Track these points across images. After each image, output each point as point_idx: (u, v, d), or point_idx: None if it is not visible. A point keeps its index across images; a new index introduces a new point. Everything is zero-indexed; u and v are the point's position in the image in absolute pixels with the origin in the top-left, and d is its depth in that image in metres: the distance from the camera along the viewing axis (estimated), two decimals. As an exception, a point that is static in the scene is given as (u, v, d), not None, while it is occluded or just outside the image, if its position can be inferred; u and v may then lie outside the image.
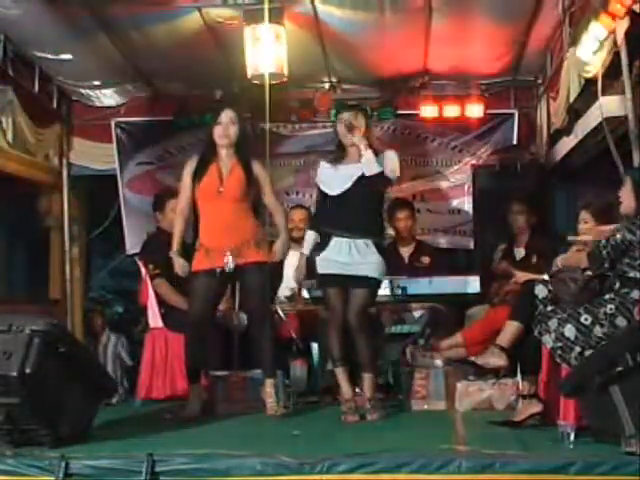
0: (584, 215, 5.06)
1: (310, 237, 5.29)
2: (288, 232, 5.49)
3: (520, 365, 4.79)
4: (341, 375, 5.11)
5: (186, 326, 5.28)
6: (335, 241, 5.11)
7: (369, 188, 5.10)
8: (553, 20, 6.19)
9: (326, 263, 5.13)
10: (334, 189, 5.16)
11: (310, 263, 5.34)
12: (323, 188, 5.24)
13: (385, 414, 5.02)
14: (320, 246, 5.20)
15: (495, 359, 4.69)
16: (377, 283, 5.20)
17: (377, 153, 5.15)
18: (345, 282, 5.09)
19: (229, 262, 5.08)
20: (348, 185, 5.10)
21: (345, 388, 5.09)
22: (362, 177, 5.09)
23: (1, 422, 4.03)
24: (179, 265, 5.24)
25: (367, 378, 5.11)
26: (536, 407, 4.53)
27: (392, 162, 5.18)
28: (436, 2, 6.07)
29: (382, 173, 5.09)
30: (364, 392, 5.12)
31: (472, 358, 4.82)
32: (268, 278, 5.25)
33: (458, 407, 5.29)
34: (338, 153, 5.28)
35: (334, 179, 5.18)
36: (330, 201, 5.20)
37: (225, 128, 5.19)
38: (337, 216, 5.15)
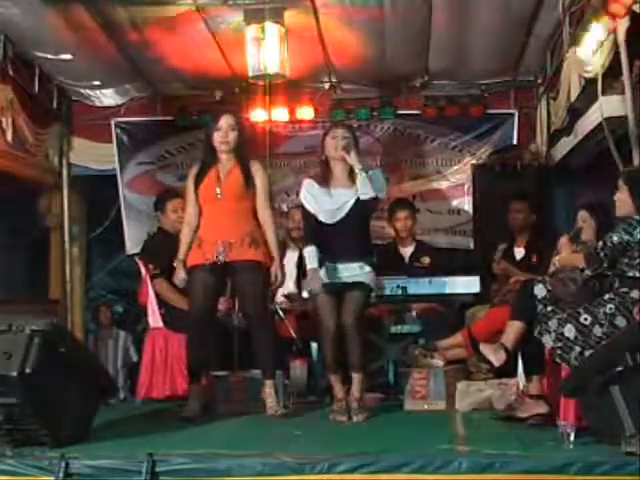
0: (583, 214, 5.06)
1: (312, 252, 5.15)
2: (279, 252, 5.31)
3: (525, 365, 4.78)
4: (335, 380, 5.13)
5: (187, 325, 5.28)
6: (328, 266, 5.11)
7: (362, 212, 5.13)
8: (553, 20, 6.19)
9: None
10: (330, 217, 5.14)
11: None
12: (314, 213, 5.17)
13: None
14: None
15: (493, 356, 4.66)
16: (369, 290, 5.16)
17: (365, 170, 5.15)
18: (337, 289, 5.08)
19: (220, 252, 5.07)
20: (344, 213, 5.11)
21: (337, 389, 5.11)
22: (356, 202, 5.09)
23: (1, 422, 4.03)
24: (179, 276, 5.24)
25: (356, 378, 5.08)
26: (542, 408, 4.52)
27: (381, 183, 5.24)
28: (436, 2, 6.07)
29: (375, 197, 5.11)
30: (352, 392, 5.10)
31: (480, 346, 4.78)
32: (264, 278, 5.23)
33: (458, 407, 5.29)
34: (323, 171, 5.23)
35: (328, 205, 5.14)
36: (324, 227, 5.16)
37: (224, 134, 5.18)
38: (331, 244, 5.12)
